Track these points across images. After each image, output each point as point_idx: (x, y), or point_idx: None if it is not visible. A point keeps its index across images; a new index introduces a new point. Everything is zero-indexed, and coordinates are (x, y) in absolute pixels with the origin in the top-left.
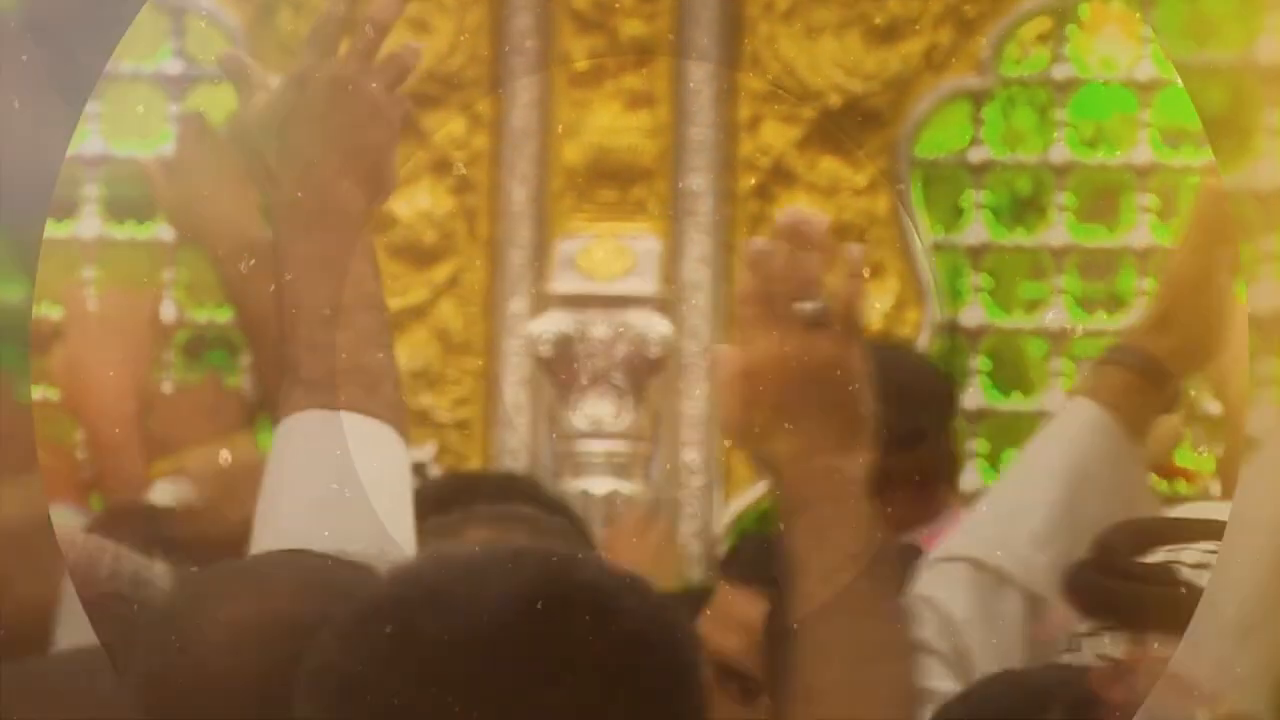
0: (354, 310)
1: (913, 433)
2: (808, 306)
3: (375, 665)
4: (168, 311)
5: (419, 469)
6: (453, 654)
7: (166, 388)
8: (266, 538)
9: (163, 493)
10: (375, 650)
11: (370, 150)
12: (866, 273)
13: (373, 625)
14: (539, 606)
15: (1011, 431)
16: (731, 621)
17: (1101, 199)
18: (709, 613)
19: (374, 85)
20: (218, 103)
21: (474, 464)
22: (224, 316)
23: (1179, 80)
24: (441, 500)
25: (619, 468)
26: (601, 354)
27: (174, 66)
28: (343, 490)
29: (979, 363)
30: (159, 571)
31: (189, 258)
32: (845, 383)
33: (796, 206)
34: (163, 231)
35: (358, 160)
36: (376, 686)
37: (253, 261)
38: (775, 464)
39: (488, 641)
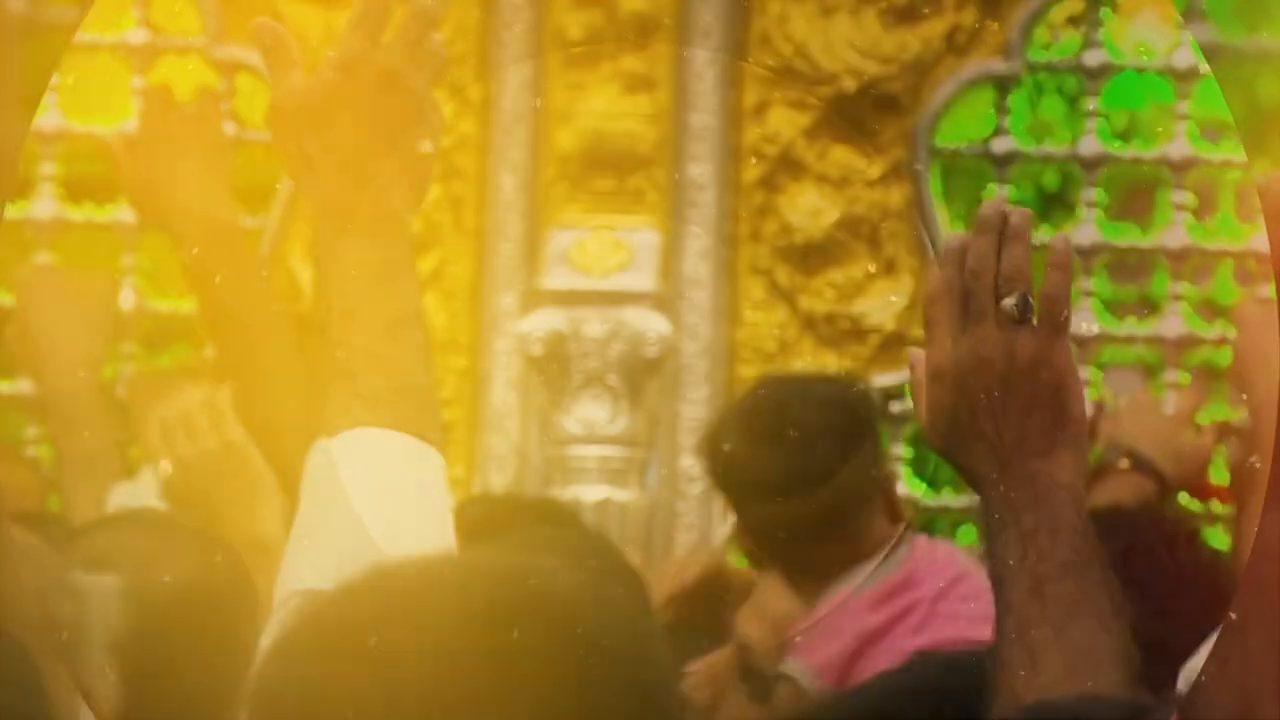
0: (407, 324)
1: (815, 473)
2: (1012, 302)
3: (321, 685)
4: (127, 299)
5: None
6: (404, 671)
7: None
8: (328, 554)
9: (148, 478)
10: (321, 670)
11: (416, 155)
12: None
13: (318, 643)
14: (495, 619)
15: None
16: (764, 612)
17: (1134, 195)
18: (748, 601)
19: (420, 82)
20: (185, 75)
21: (458, 470)
22: (187, 307)
23: (1204, 68)
24: (476, 527)
25: (613, 474)
26: (595, 354)
27: (138, 36)
28: (408, 515)
29: None
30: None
31: (151, 243)
32: (1051, 381)
33: (998, 199)
34: (124, 214)
35: (405, 160)
36: (323, 708)
37: (195, 250)
38: (977, 473)
39: (441, 657)
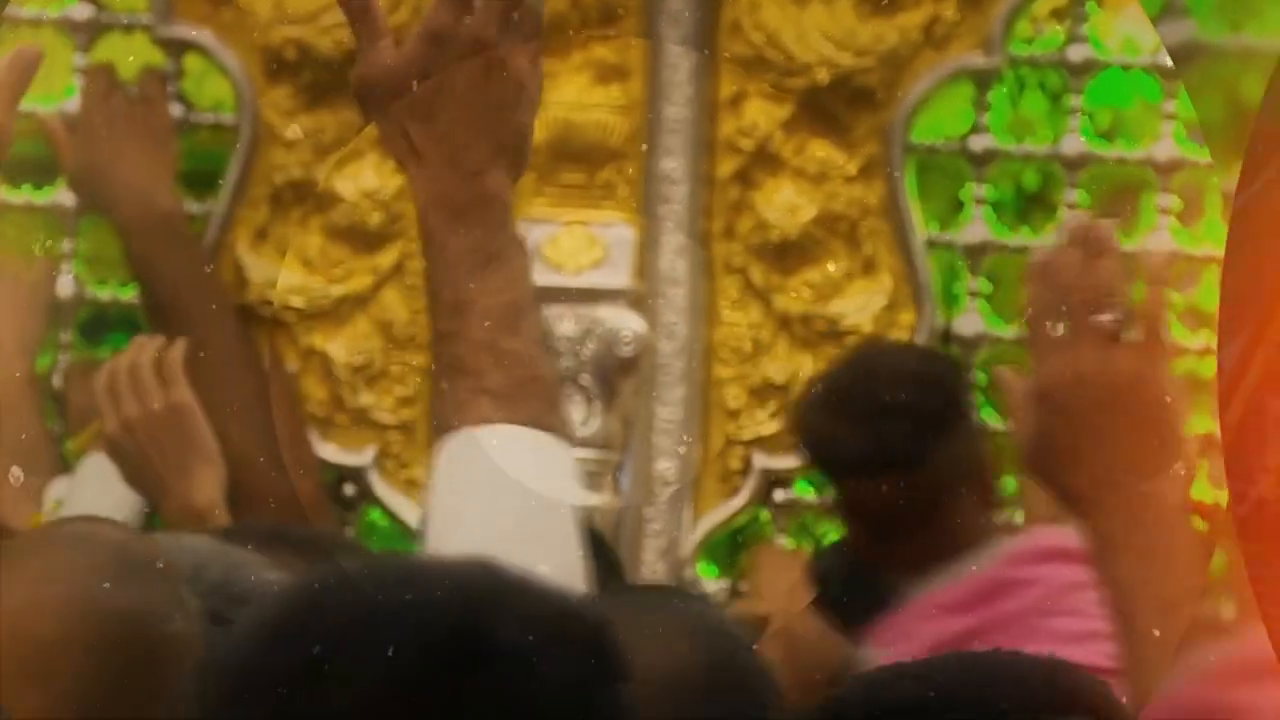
0: (523, 311)
1: (901, 454)
2: (1107, 318)
3: (244, 698)
4: (65, 286)
5: (356, 476)
6: (343, 691)
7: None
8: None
9: (90, 467)
10: (244, 682)
11: (517, 133)
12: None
13: (238, 696)
14: (442, 673)
15: (1008, 457)
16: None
17: (1118, 198)
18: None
19: (522, 60)
20: (130, 54)
21: (417, 470)
22: (128, 294)
23: (1169, 64)
24: None
25: (586, 477)
26: (569, 353)
27: (82, 12)
28: (541, 515)
29: (974, 377)
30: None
31: (92, 227)
32: (1153, 398)
33: (1083, 214)
34: (64, 197)
35: (507, 143)
36: None
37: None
38: (1081, 497)
39: (378, 716)
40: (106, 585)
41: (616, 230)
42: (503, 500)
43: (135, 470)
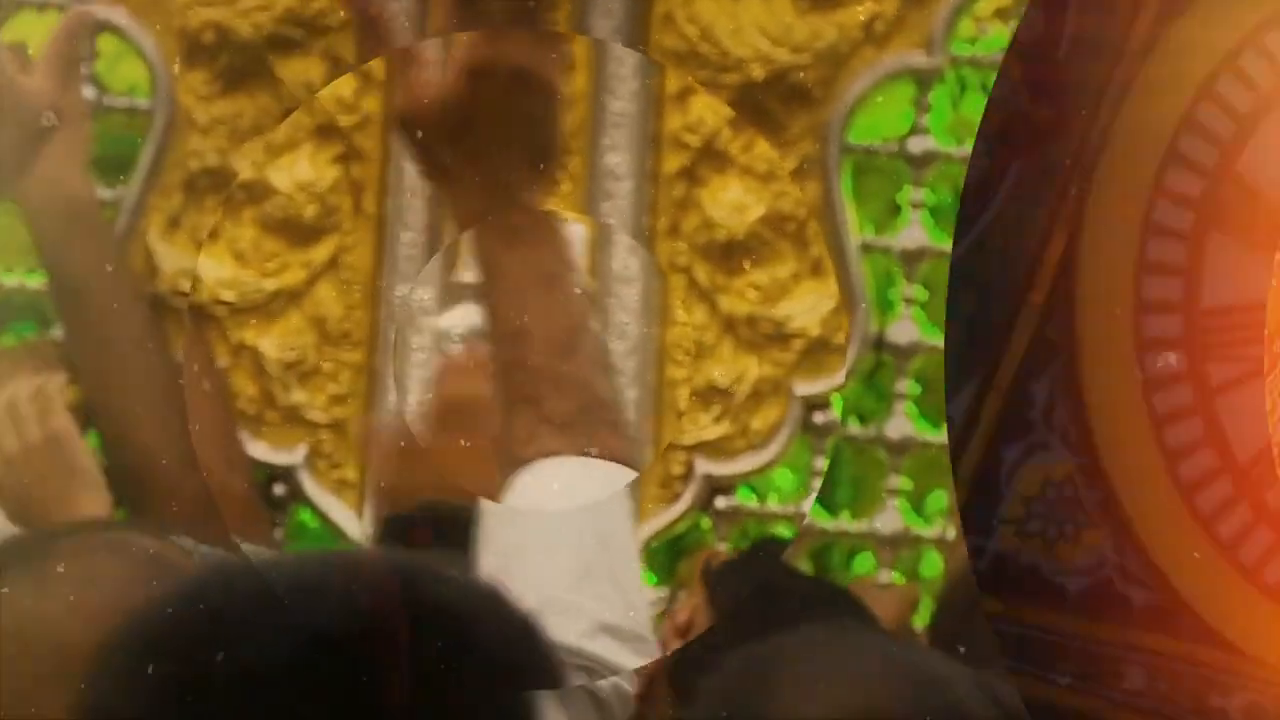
0: (581, 332)
1: None
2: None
3: (159, 709)
4: None
5: (287, 475)
6: (256, 696)
7: None
8: (528, 590)
9: None
10: (158, 692)
11: (550, 137)
12: None
13: (155, 661)
14: (378, 635)
15: (940, 468)
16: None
17: None
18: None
19: (546, 63)
20: (43, 33)
21: (349, 470)
22: (36, 282)
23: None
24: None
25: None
26: None
27: None
28: (603, 553)
29: (907, 387)
30: None
31: None
32: None
33: None
34: None
35: (544, 152)
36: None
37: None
38: None
39: (302, 679)
40: (141, 592)
41: (569, 228)
42: (564, 538)
43: (17, 505)
